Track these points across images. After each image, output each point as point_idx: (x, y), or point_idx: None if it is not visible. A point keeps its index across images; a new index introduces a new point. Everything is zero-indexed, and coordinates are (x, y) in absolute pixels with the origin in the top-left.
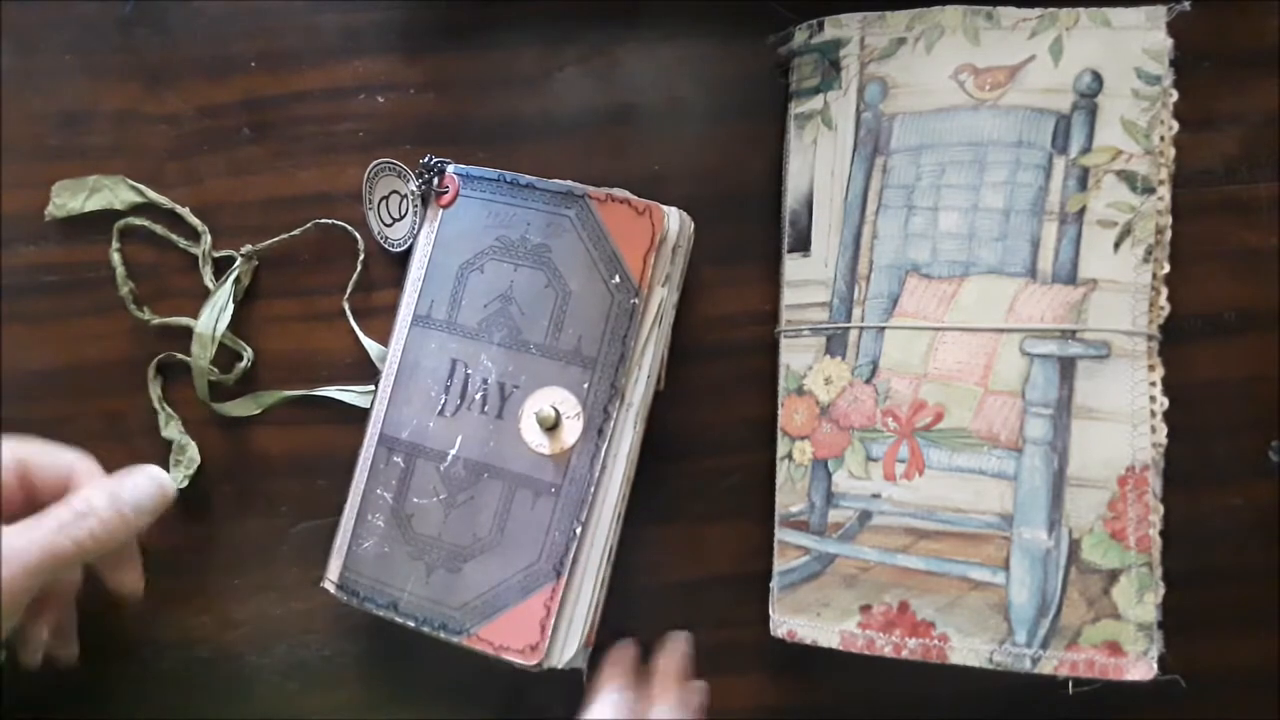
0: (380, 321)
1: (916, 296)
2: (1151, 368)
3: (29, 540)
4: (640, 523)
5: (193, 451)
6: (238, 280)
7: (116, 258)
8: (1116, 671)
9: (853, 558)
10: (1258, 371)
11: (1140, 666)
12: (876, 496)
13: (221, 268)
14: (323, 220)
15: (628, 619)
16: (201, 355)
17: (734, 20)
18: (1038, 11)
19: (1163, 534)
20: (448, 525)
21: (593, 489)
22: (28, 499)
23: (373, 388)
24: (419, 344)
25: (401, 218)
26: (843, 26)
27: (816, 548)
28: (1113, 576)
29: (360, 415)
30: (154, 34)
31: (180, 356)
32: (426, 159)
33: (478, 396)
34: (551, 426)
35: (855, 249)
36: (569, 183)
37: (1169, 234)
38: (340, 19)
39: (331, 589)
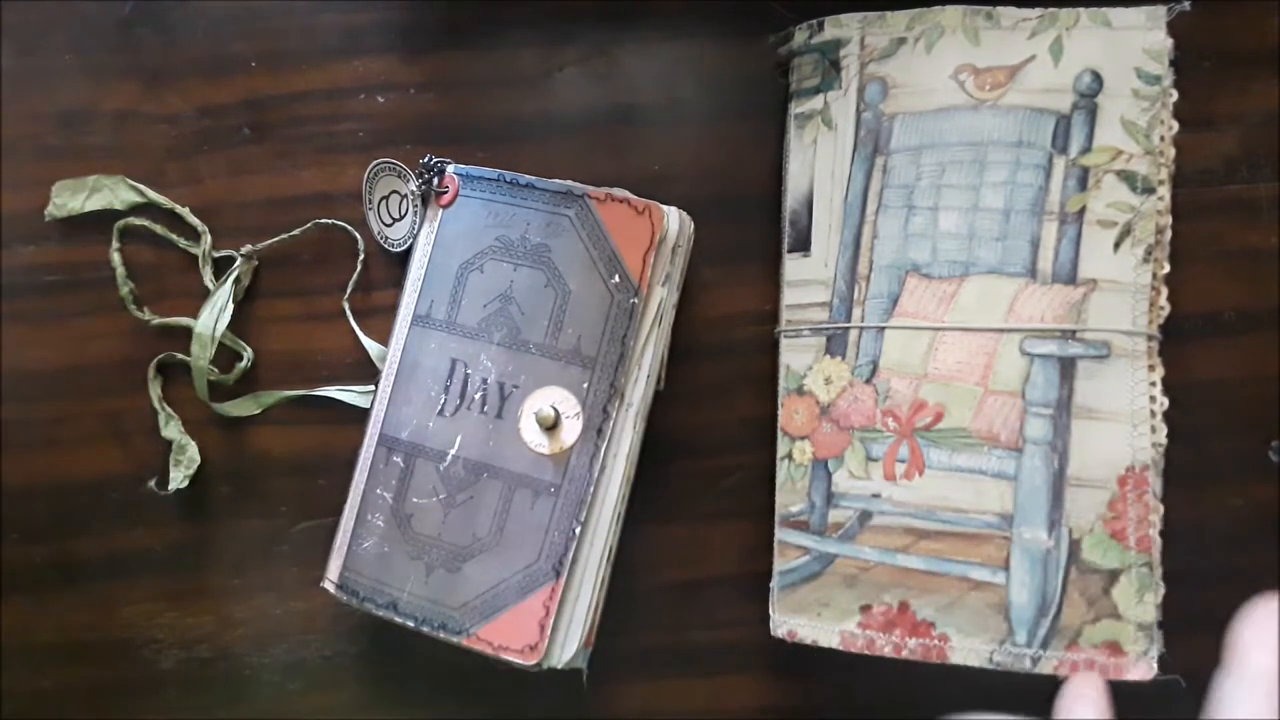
0: (380, 321)
1: (916, 296)
2: (1151, 368)
3: None
4: (640, 523)
5: (193, 451)
6: (238, 280)
7: (116, 258)
8: (1116, 671)
9: (853, 558)
10: (1258, 371)
11: (1140, 666)
12: (876, 496)
13: (221, 268)
14: (323, 220)
15: (628, 619)
16: (201, 355)
17: (734, 20)
18: (1038, 11)
19: (1163, 534)
20: (447, 525)
21: (592, 489)
22: None
23: (373, 388)
24: (419, 344)
25: (401, 218)
26: (843, 26)
27: (816, 548)
28: (1113, 576)
29: (360, 415)
30: (154, 34)
31: (180, 356)
32: (426, 159)
33: (477, 396)
34: (551, 426)
35: (855, 249)
36: (569, 182)
37: (1169, 234)
38: (340, 19)
39: (331, 589)
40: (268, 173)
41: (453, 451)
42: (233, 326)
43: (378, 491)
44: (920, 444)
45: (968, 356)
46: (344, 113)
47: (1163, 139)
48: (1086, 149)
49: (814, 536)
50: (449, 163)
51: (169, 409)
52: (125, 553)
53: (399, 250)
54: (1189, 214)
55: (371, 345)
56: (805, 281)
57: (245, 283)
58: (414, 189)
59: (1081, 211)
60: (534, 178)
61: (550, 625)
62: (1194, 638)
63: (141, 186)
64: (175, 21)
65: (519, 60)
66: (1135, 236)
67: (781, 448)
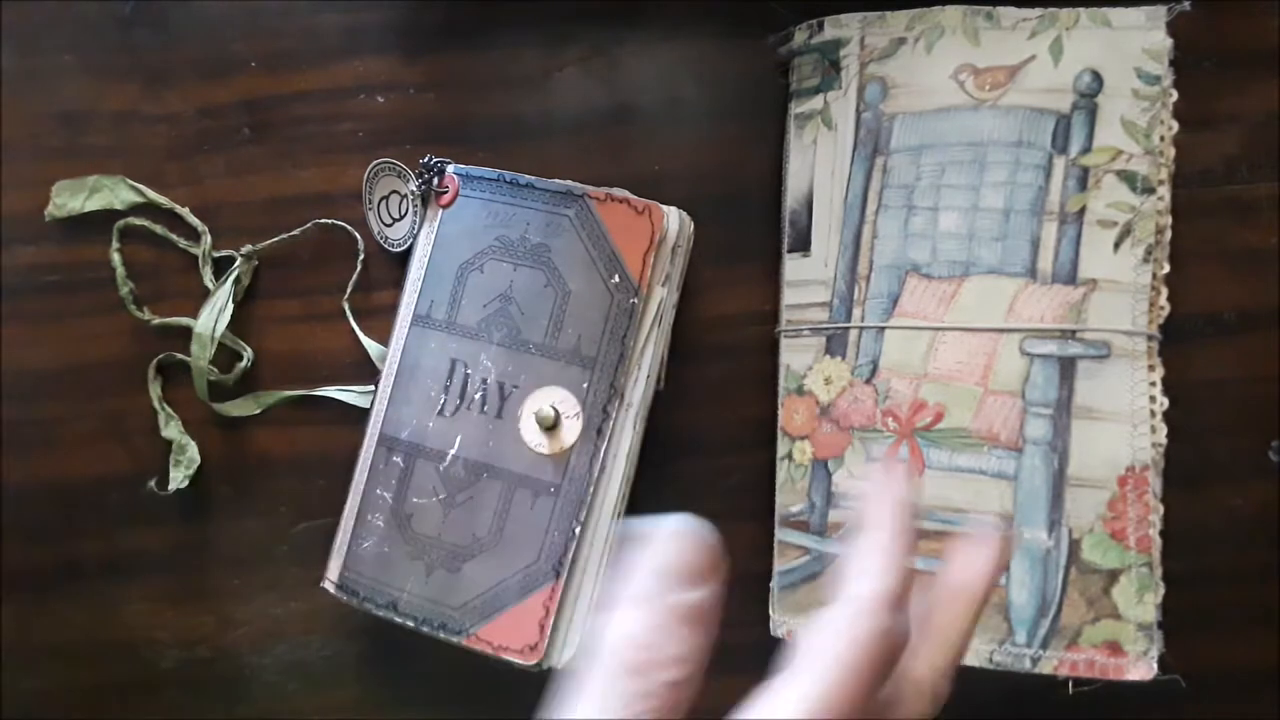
0: (380, 321)
1: (916, 296)
2: (1151, 368)
3: None
4: None
5: (193, 451)
6: (238, 280)
7: (116, 258)
8: (1116, 671)
9: None
10: (1258, 371)
11: (1140, 666)
12: None
13: (221, 268)
14: (323, 220)
15: None
16: (201, 355)
17: (734, 20)
18: (1038, 11)
19: (1163, 534)
20: (447, 525)
21: (592, 489)
22: None
23: (373, 388)
24: (419, 344)
25: (401, 218)
26: (843, 26)
27: (816, 548)
28: (1113, 576)
29: (360, 415)
30: (154, 34)
31: (180, 356)
32: (426, 159)
33: (477, 396)
34: (551, 426)
35: (855, 249)
36: (568, 182)
37: (1169, 234)
38: (340, 19)
39: (331, 589)
40: (268, 173)
41: (453, 451)
42: (233, 326)
43: (378, 491)
44: (920, 444)
45: (968, 356)
46: (344, 113)
47: (1163, 139)
48: (1086, 149)
49: (814, 537)
50: (449, 163)
51: (169, 409)
52: (125, 553)
53: (399, 250)
54: (1189, 214)
55: (371, 345)
56: (805, 281)
57: (245, 283)
58: (414, 189)
59: (1081, 211)
60: (534, 178)
61: (550, 625)
62: (1194, 638)
63: (141, 186)
64: (175, 21)
65: (519, 60)
66: (1135, 236)
67: (781, 448)
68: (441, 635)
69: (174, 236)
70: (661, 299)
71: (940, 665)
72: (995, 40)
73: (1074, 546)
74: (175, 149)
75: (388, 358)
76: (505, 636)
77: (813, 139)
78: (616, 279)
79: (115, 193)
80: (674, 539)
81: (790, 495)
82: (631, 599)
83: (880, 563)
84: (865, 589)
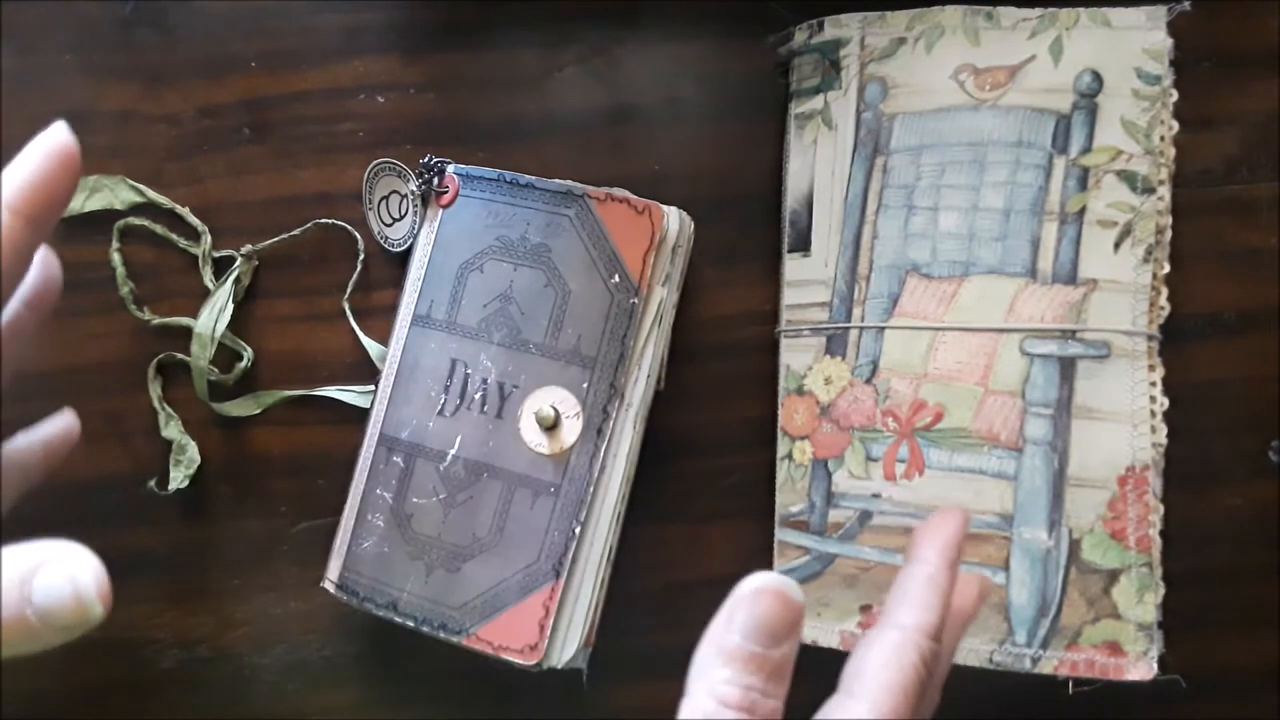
0: (380, 321)
1: (916, 296)
2: (1151, 368)
3: None
4: (640, 523)
5: (193, 451)
6: (238, 280)
7: (116, 258)
8: (1116, 671)
9: (853, 558)
10: (1258, 371)
11: (1140, 666)
12: (876, 496)
13: (221, 268)
14: (323, 220)
15: (628, 619)
16: (201, 355)
17: (734, 20)
18: (1038, 11)
19: (1163, 534)
20: (447, 525)
21: (592, 489)
22: None
23: (373, 388)
24: (419, 344)
25: (401, 218)
26: (843, 26)
27: (816, 548)
28: (1113, 576)
29: (360, 415)
30: (154, 34)
31: (180, 356)
32: (426, 159)
33: (477, 396)
34: (551, 426)
35: (855, 249)
36: (568, 182)
37: (1169, 234)
38: (340, 19)
39: (331, 589)
40: (268, 173)
41: (453, 451)
42: (233, 326)
43: (378, 491)
44: (920, 444)
45: (968, 356)
46: (344, 113)
47: (1163, 139)
48: (1086, 149)
49: (814, 536)
50: (449, 163)
51: (169, 409)
52: (125, 553)
53: (399, 250)
54: (1189, 214)
55: (371, 345)
56: (805, 281)
57: (245, 283)
58: (414, 189)
59: (1081, 211)
60: (534, 178)
61: (550, 625)
62: (1194, 638)
63: (141, 186)
64: (175, 21)
65: (519, 60)
66: (1135, 236)
67: (781, 448)
68: (441, 635)
69: (174, 236)
70: (661, 299)
71: (936, 680)
72: (995, 40)
73: (1074, 546)
74: (175, 149)
75: (388, 358)
76: (505, 636)
77: (813, 139)
78: (616, 279)
79: (115, 193)
80: (761, 597)
81: (790, 495)
82: (723, 658)
83: (927, 595)
84: (912, 619)
